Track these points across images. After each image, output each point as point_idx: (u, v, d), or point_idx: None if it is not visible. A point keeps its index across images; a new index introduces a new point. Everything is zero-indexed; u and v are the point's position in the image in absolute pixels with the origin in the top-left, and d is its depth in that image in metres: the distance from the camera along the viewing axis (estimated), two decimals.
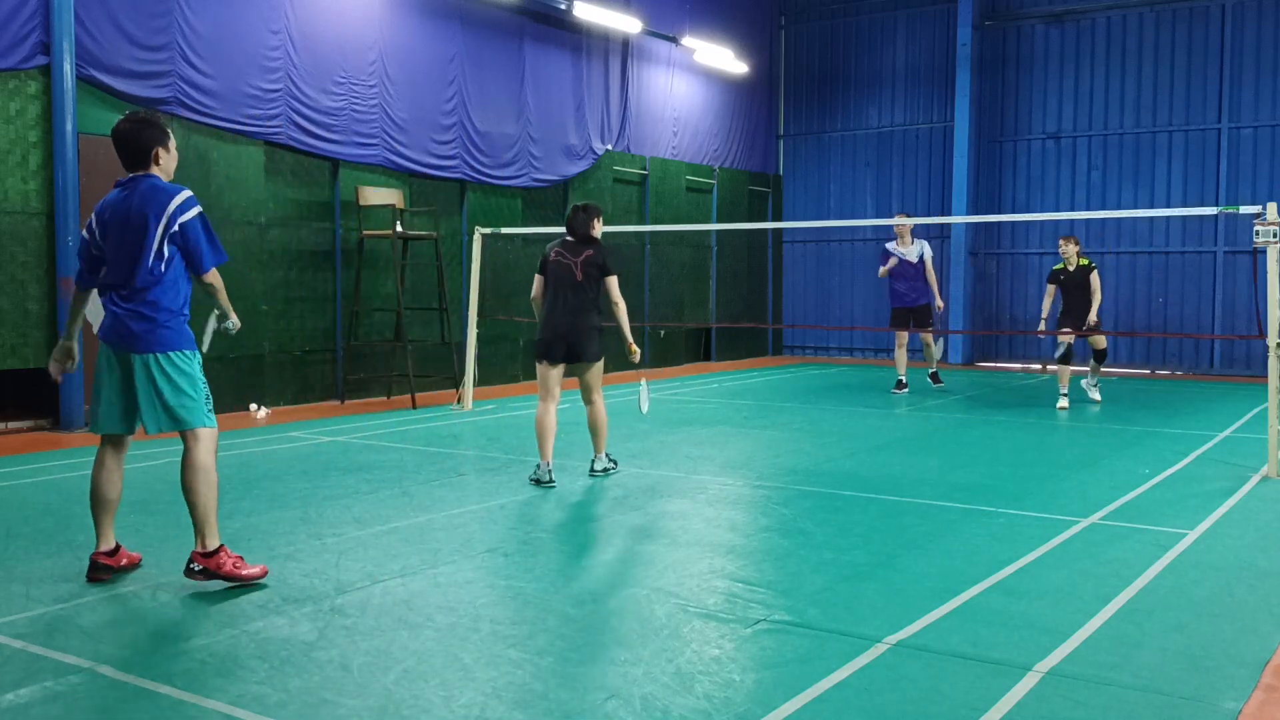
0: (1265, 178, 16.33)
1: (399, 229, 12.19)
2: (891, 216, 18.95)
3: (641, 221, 17.07)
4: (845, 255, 19.98)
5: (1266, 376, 7.99)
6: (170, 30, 10.57)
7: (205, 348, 5.16)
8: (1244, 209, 8.20)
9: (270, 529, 6.04)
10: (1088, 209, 17.36)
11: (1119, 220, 17.34)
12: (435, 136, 13.47)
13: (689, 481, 7.53)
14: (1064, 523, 6.25)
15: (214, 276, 4.95)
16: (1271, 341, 7.77)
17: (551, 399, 7.56)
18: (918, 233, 13.76)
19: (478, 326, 11.94)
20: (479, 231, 12.02)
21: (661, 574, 5.17)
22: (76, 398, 9.83)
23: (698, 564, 5.36)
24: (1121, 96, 17.42)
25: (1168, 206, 16.77)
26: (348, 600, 4.71)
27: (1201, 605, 4.71)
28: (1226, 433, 10.10)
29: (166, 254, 4.79)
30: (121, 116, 5.05)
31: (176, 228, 4.78)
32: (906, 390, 13.50)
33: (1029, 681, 3.77)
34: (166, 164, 4.95)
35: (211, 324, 5.23)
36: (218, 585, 4.89)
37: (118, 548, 5.10)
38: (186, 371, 4.88)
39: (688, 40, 17.38)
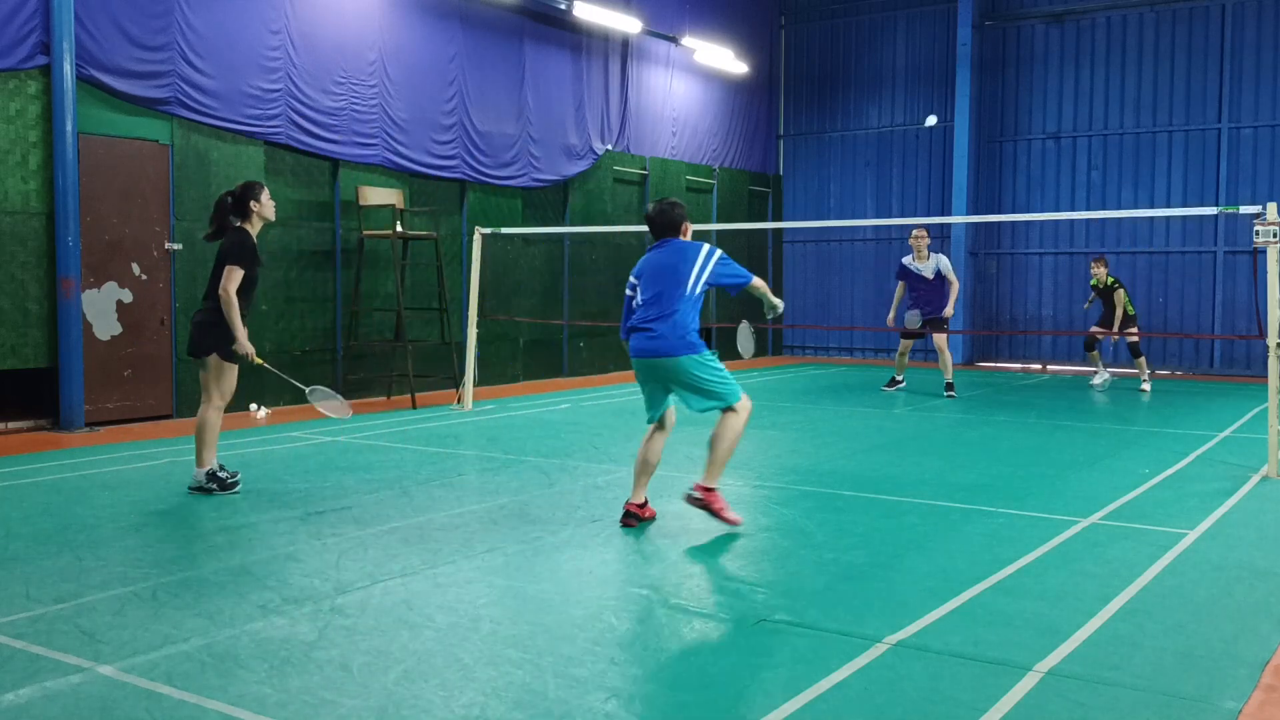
0: (1265, 178, 16.33)
1: (399, 229, 12.19)
2: (891, 216, 19.01)
3: (641, 221, 17.03)
4: (845, 255, 19.97)
5: (1266, 376, 7.99)
6: (170, 30, 10.57)
7: (748, 353, 7.03)
8: (1244, 209, 8.19)
9: (270, 529, 6.04)
10: (1088, 209, 17.36)
11: (1119, 220, 17.34)
12: (435, 136, 13.47)
13: (689, 481, 7.50)
14: (1064, 523, 6.26)
15: (754, 282, 6.34)
16: (1271, 341, 7.77)
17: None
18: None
19: (477, 326, 11.95)
20: (479, 231, 12.02)
21: (662, 574, 5.17)
22: (76, 398, 9.83)
23: (698, 564, 5.36)
24: (1121, 96, 17.42)
25: (1168, 206, 16.77)
26: (348, 600, 4.71)
27: (1201, 605, 4.71)
28: (1226, 433, 10.10)
29: (698, 294, 6.12)
30: (654, 202, 6.47)
31: (711, 276, 6.12)
32: (899, 387, 13.54)
33: (1029, 681, 3.77)
34: (687, 230, 6.43)
35: (743, 330, 6.99)
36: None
37: (645, 502, 6.25)
38: (704, 368, 6.07)
39: (687, 40, 17.37)
